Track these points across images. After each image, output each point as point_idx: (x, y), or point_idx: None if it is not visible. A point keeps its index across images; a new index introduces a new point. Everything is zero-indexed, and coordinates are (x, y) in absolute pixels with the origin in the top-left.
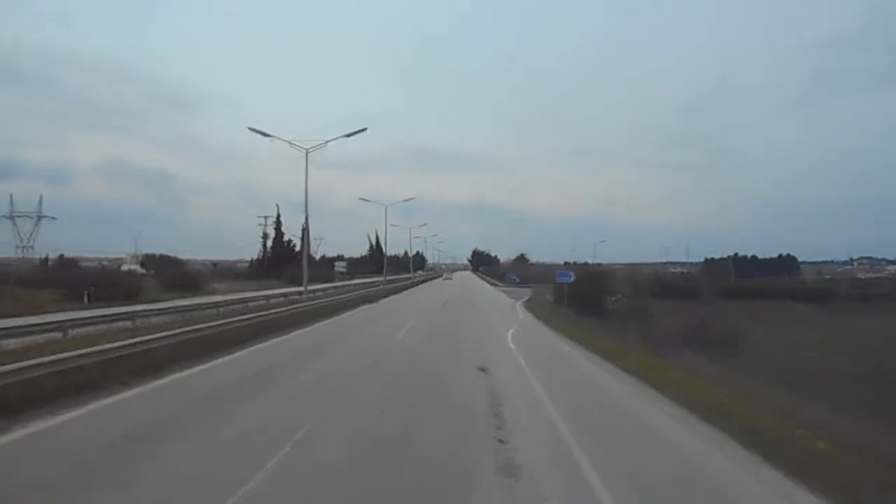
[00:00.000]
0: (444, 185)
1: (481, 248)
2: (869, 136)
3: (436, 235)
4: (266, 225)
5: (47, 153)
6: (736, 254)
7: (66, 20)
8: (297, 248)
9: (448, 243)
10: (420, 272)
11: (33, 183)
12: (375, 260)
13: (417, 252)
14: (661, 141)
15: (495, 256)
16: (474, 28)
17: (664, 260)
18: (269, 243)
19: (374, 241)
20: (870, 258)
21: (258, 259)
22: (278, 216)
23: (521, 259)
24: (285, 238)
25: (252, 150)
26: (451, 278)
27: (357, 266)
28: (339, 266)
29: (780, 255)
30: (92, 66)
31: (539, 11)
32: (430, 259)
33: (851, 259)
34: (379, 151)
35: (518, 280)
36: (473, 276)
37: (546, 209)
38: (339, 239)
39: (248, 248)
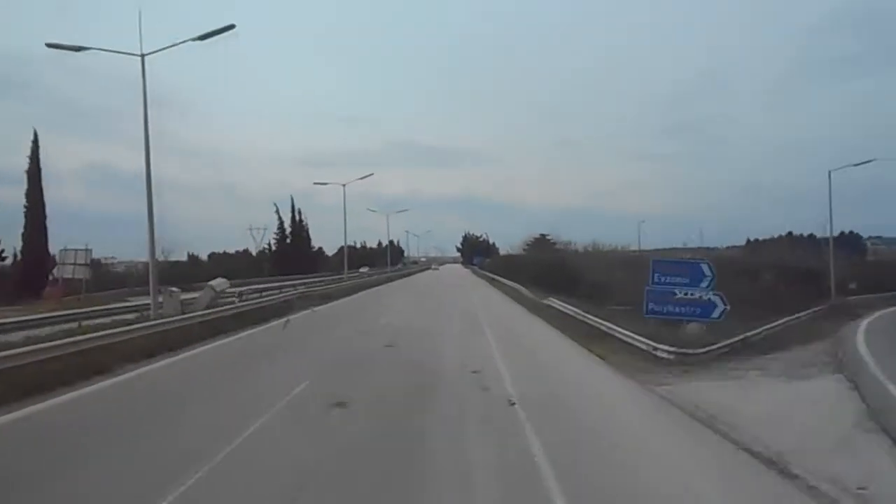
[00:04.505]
0: (430, 179)
1: (475, 234)
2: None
3: (414, 222)
4: None
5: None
6: (790, 233)
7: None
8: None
9: (435, 237)
10: (361, 269)
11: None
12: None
13: (392, 242)
14: (653, 131)
15: (493, 244)
16: (468, 25)
17: (669, 246)
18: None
19: (287, 222)
20: (879, 237)
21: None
22: None
23: (543, 242)
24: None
25: (239, 152)
26: (437, 269)
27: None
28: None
29: (843, 233)
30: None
31: (532, 8)
32: (418, 252)
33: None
34: (364, 145)
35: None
36: (469, 273)
37: (535, 201)
38: (317, 236)
39: None
